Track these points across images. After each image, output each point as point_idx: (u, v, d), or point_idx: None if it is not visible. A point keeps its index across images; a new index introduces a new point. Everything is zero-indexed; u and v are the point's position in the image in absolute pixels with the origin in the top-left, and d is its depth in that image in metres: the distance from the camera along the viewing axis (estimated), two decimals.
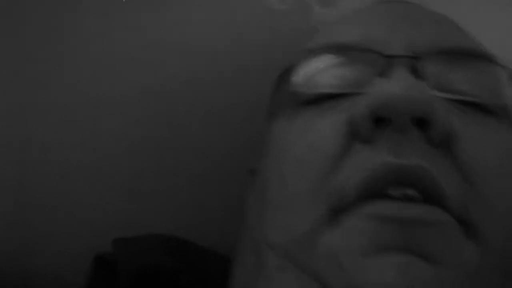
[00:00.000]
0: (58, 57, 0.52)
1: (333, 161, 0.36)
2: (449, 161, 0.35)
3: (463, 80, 0.38)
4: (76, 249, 0.50)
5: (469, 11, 0.51)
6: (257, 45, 0.53)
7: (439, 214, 0.34)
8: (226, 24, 0.53)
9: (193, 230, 0.50)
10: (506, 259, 0.36)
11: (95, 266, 0.46)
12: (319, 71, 0.39)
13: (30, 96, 0.51)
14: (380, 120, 0.36)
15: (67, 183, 0.50)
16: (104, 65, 0.52)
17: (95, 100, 0.51)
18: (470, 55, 0.39)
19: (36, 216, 0.50)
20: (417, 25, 0.40)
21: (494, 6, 0.53)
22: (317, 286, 0.35)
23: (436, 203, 0.34)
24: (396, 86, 0.35)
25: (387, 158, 0.35)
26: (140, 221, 0.50)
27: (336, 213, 0.35)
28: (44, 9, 0.52)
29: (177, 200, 0.51)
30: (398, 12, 0.42)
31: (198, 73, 0.52)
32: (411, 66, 0.37)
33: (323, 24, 0.46)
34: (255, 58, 0.53)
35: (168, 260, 0.46)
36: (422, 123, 0.35)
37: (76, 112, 0.51)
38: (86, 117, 0.51)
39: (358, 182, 0.35)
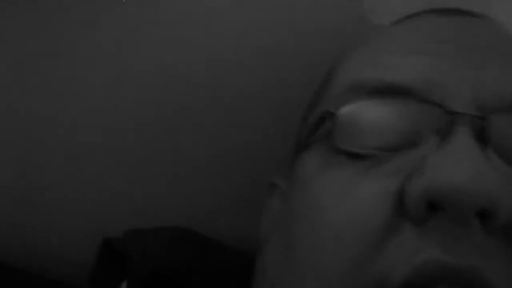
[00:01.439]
0: (71, 32, 0.50)
1: (377, 241, 0.32)
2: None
3: None
4: (84, 229, 0.48)
5: None
6: (288, 29, 0.50)
7: None
8: (257, 6, 0.50)
9: (206, 218, 0.48)
10: None
11: (103, 250, 0.44)
12: (365, 117, 0.35)
13: (39, 72, 0.49)
14: (436, 205, 0.31)
15: (76, 163, 0.48)
16: (119, 42, 0.49)
17: (108, 79, 0.49)
18: None
19: (42, 195, 0.48)
20: (481, 61, 0.36)
21: None
22: None
23: None
24: (458, 169, 0.31)
25: (437, 255, 0.31)
26: (151, 205, 0.48)
27: None
28: None
29: (191, 186, 0.48)
30: (455, 34, 0.38)
31: (221, 56, 0.49)
32: (474, 125, 0.33)
33: (364, 39, 0.42)
34: (286, 44, 0.49)
35: (181, 257, 0.43)
36: (484, 214, 0.31)
37: (89, 91, 0.49)
38: (98, 96, 0.49)
39: (402, 277, 0.31)
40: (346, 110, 0.36)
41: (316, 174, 0.36)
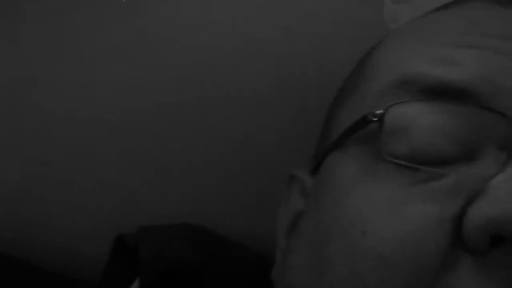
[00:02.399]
0: (89, 30, 0.50)
1: (431, 276, 0.27)
2: None
3: None
4: (96, 226, 0.48)
5: None
6: (307, 32, 0.49)
7: None
8: (277, 9, 0.49)
9: (218, 216, 0.48)
10: None
11: (116, 247, 0.44)
12: (419, 124, 0.30)
13: (49, 71, 0.49)
14: (501, 237, 0.27)
15: (87, 161, 0.48)
16: (137, 43, 0.49)
17: (124, 78, 0.49)
18: None
19: (55, 193, 0.48)
20: None
21: None
22: None
23: None
24: None
25: None
26: (165, 203, 0.48)
27: None
28: None
29: (205, 185, 0.48)
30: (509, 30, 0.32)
31: (237, 57, 0.48)
32: None
33: (410, 26, 0.38)
34: (305, 47, 0.48)
35: (193, 255, 0.42)
36: None
37: (104, 89, 0.49)
38: (110, 95, 0.49)
39: None
40: (395, 113, 0.31)
41: (354, 182, 0.31)
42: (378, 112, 0.31)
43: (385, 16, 0.49)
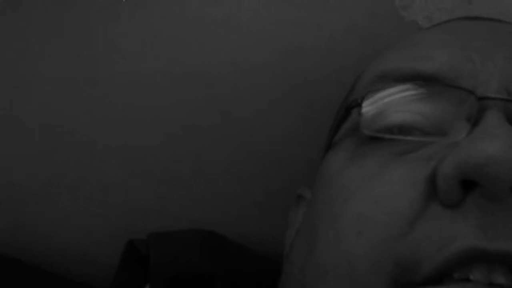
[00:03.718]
0: (94, 31, 0.49)
1: (405, 224, 0.30)
2: None
3: None
4: (106, 231, 0.48)
5: None
6: (318, 28, 0.48)
7: None
8: (287, 11, 0.49)
9: (230, 221, 0.48)
10: None
11: (127, 252, 0.44)
12: (393, 103, 0.34)
13: (60, 71, 0.49)
14: (469, 183, 0.30)
15: (99, 164, 0.48)
16: (144, 42, 0.48)
17: (133, 79, 0.48)
18: None
19: (62, 193, 0.48)
20: (509, 53, 0.35)
21: None
22: None
23: None
24: (491, 142, 0.29)
25: (474, 242, 0.28)
26: (175, 208, 0.48)
27: None
28: None
29: (215, 189, 0.48)
30: (487, 34, 0.37)
31: (248, 57, 0.48)
32: (506, 110, 0.32)
33: (399, 40, 0.41)
34: (315, 44, 0.48)
35: (205, 262, 0.42)
36: None
37: (112, 91, 0.48)
38: (122, 96, 0.48)
39: (435, 263, 0.29)
40: (372, 98, 0.35)
41: (342, 168, 0.35)
42: (357, 100, 0.35)
43: (397, 3, 0.48)
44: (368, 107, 0.34)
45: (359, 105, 0.35)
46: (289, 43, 0.48)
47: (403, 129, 0.33)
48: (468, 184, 0.30)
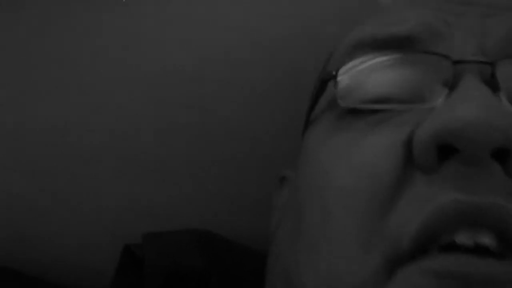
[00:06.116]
0: (81, 35, 0.49)
1: (388, 195, 0.30)
2: None
3: None
4: (102, 236, 0.48)
5: None
6: (295, 19, 0.49)
7: None
8: (265, 4, 0.49)
9: (224, 221, 0.48)
10: None
11: (123, 257, 0.44)
12: (368, 73, 0.33)
13: (46, 76, 0.49)
14: (446, 148, 0.29)
15: (90, 168, 0.48)
16: (131, 43, 0.49)
17: (122, 81, 0.48)
18: None
19: (57, 201, 0.48)
20: (489, 13, 0.34)
21: None
22: None
23: None
24: (469, 106, 0.29)
25: (454, 195, 0.28)
26: (169, 209, 0.48)
27: (393, 265, 0.29)
28: None
29: (208, 188, 0.48)
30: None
31: (233, 55, 0.48)
32: (483, 72, 0.31)
33: (374, 8, 0.41)
34: (295, 42, 0.49)
35: (199, 261, 0.42)
36: (501, 153, 0.29)
37: (101, 93, 0.48)
38: (111, 99, 0.48)
39: (417, 228, 0.28)
40: (346, 68, 0.34)
41: (321, 143, 0.34)
42: (333, 72, 0.34)
43: None
44: (343, 79, 0.34)
45: (334, 77, 0.34)
46: (267, 37, 0.48)
47: (381, 98, 0.33)
48: (446, 150, 0.29)
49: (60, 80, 0.48)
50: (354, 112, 0.33)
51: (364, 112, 0.33)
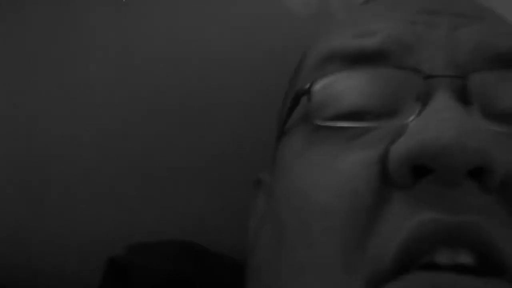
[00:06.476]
0: (61, 53, 0.50)
1: (367, 215, 0.30)
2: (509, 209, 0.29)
3: None
4: (86, 250, 0.48)
5: None
6: (273, 49, 0.50)
7: None
8: (241, 27, 0.50)
9: (206, 234, 0.48)
10: None
11: (108, 269, 0.44)
12: (341, 89, 0.33)
13: (40, 74, 0.49)
14: (422, 166, 0.29)
15: (73, 185, 0.48)
16: (118, 42, 0.49)
17: (100, 100, 0.49)
18: None
19: (42, 218, 0.48)
20: (458, 24, 0.34)
21: None
22: None
23: (495, 272, 0.28)
24: (443, 127, 0.29)
25: (431, 214, 0.28)
26: (152, 224, 0.48)
27: (376, 285, 0.29)
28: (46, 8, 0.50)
29: (189, 202, 0.48)
30: (428, 4, 0.36)
31: (208, 75, 0.49)
32: (454, 86, 0.31)
33: (339, 20, 0.41)
34: (270, 63, 0.50)
35: (184, 268, 0.43)
36: (476, 172, 0.29)
37: (92, 93, 0.49)
38: (92, 117, 0.49)
39: (396, 248, 0.28)
40: (320, 84, 0.34)
41: (297, 157, 0.34)
42: (306, 86, 0.35)
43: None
44: (316, 94, 0.34)
45: (307, 91, 0.34)
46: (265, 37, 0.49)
47: (354, 114, 0.33)
48: (421, 168, 0.29)
49: (54, 78, 0.49)
50: (329, 126, 0.33)
51: (339, 127, 0.33)
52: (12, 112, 0.48)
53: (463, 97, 0.31)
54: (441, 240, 0.28)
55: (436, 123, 0.29)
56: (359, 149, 0.32)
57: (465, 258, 0.28)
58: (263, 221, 0.38)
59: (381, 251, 0.29)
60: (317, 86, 0.34)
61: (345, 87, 0.34)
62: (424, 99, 0.31)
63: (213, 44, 0.49)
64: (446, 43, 0.33)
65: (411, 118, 0.31)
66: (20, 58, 0.49)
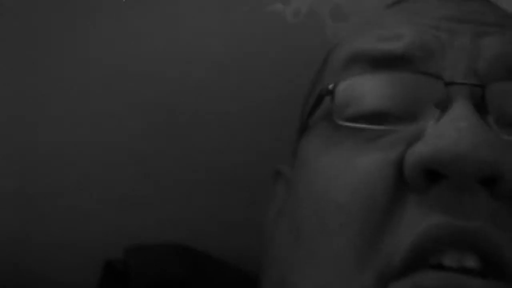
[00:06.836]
0: (57, 66, 0.50)
1: (382, 215, 0.31)
2: None
3: None
4: (84, 256, 0.48)
5: None
6: (265, 58, 0.51)
7: None
8: (233, 36, 0.51)
9: (203, 240, 0.48)
10: None
11: (105, 273, 0.44)
12: (364, 90, 0.35)
13: (39, 78, 0.50)
14: (437, 173, 0.31)
15: (72, 193, 0.48)
16: (102, 75, 0.50)
17: (100, 101, 0.49)
18: None
19: (41, 225, 0.48)
20: (480, 33, 0.35)
21: None
22: None
23: (499, 276, 0.30)
24: (459, 136, 0.30)
25: (442, 218, 0.30)
26: (149, 231, 0.49)
27: (386, 280, 0.31)
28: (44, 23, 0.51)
29: (186, 209, 0.49)
30: (454, 11, 0.37)
31: (201, 85, 0.50)
32: (473, 94, 0.33)
33: (364, 21, 0.42)
34: (263, 71, 0.51)
35: (181, 272, 0.44)
36: (489, 180, 0.31)
37: (80, 114, 0.49)
38: (91, 119, 0.49)
39: (406, 249, 0.30)
40: (343, 85, 0.35)
41: (318, 154, 0.35)
42: (330, 86, 0.36)
43: (328, 34, 0.52)
44: (339, 94, 0.35)
45: (331, 92, 0.35)
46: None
47: (374, 115, 0.34)
48: (435, 173, 0.31)
49: (53, 81, 0.49)
50: (350, 127, 0.34)
51: (359, 127, 0.34)
52: (12, 113, 0.49)
53: (481, 105, 0.32)
54: (450, 243, 0.30)
55: (452, 132, 0.31)
56: (377, 150, 0.33)
57: (471, 262, 0.30)
58: (281, 213, 0.39)
59: (392, 249, 0.31)
60: (340, 87, 0.35)
61: (367, 89, 0.35)
62: (443, 106, 0.33)
63: (213, 44, 0.50)
64: (468, 52, 0.34)
65: (430, 123, 0.32)
66: (19, 60, 0.50)
